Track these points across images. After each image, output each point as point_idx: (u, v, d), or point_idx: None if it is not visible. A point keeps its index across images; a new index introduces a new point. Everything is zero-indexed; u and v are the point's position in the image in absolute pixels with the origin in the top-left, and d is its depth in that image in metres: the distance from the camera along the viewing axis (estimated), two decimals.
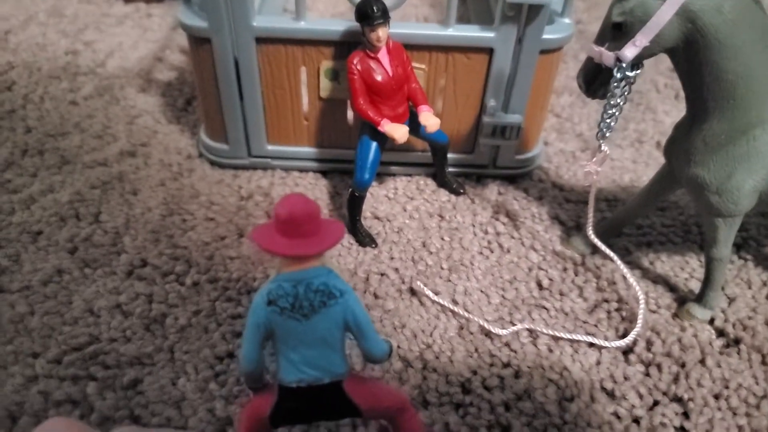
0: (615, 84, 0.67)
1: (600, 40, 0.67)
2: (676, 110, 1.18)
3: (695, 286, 0.84)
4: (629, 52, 0.64)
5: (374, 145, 0.84)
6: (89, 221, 0.90)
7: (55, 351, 0.73)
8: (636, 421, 0.70)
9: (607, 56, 0.66)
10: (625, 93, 0.69)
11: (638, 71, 0.67)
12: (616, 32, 0.64)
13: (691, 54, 0.62)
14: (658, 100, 1.20)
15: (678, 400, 0.72)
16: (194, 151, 1.02)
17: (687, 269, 0.87)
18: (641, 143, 1.10)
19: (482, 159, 0.97)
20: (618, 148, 1.08)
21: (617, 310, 0.81)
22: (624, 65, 0.65)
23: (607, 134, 0.72)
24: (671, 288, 0.85)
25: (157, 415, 0.68)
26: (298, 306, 0.52)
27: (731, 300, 0.82)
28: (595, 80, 0.69)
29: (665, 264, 0.88)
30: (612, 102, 0.69)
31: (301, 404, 0.55)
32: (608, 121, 0.71)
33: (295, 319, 0.52)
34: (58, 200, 0.92)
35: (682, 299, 0.83)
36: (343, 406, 0.56)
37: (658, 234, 0.92)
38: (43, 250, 0.85)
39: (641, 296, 0.79)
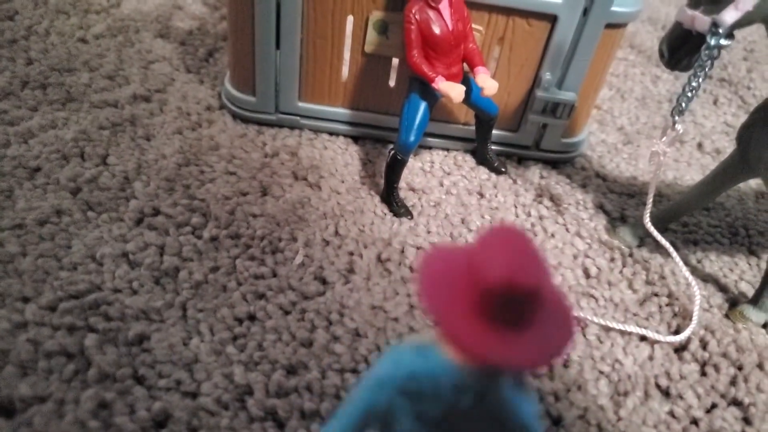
0: (706, 53, 0.61)
1: (695, 2, 0.62)
2: (715, 115, 1.14)
3: (746, 288, 0.80)
4: (729, 16, 0.59)
5: (423, 105, 0.77)
6: (95, 162, 0.80)
7: (49, 297, 0.64)
8: (695, 422, 0.64)
9: (700, 21, 0.61)
10: (708, 67, 0.64)
11: (731, 42, 0.62)
12: None
13: None
14: (698, 105, 1.17)
15: (737, 404, 0.66)
16: (215, 102, 0.94)
17: (736, 271, 0.82)
18: (682, 143, 1.06)
19: (526, 139, 0.91)
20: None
21: (668, 304, 0.76)
22: (721, 31, 0.60)
23: (686, 110, 0.67)
24: (721, 288, 0.80)
25: (165, 377, 0.59)
26: (448, 423, 0.32)
27: None
28: (682, 48, 0.64)
29: (714, 264, 0.83)
30: (699, 73, 0.63)
31: None
32: (689, 95, 0.65)
33: (426, 428, 0.33)
34: (60, 137, 0.83)
35: (733, 301, 0.78)
36: None
37: (705, 233, 0.87)
38: (40, 188, 0.76)
39: (697, 293, 0.74)
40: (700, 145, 1.06)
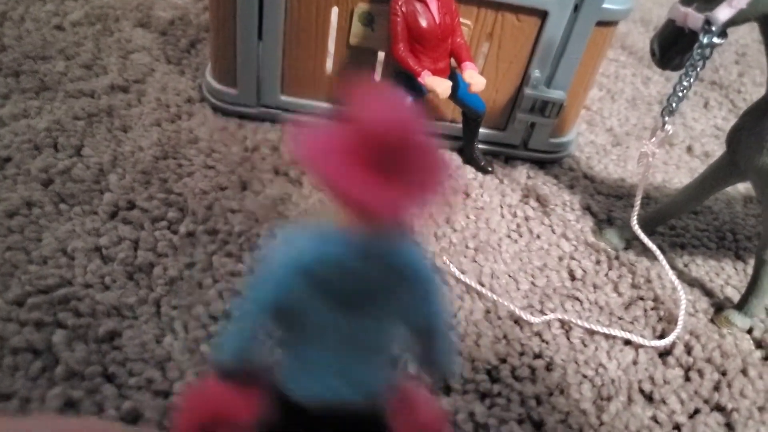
0: (699, 51, 0.60)
1: None
2: (705, 118, 1.14)
3: (731, 293, 0.79)
4: (722, 13, 0.57)
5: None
6: (69, 153, 0.78)
7: (16, 291, 0.61)
8: (677, 427, 0.64)
9: (693, 18, 0.59)
10: (700, 67, 0.63)
11: (723, 40, 0.61)
12: None
13: None
14: (688, 107, 1.16)
15: (720, 409, 0.66)
16: (195, 94, 0.91)
17: (723, 275, 0.82)
18: (672, 146, 1.05)
19: (514, 138, 0.89)
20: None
21: (654, 308, 0.75)
22: (714, 29, 0.58)
23: (677, 109, 0.65)
24: (707, 292, 0.79)
25: (136, 375, 0.57)
26: (354, 290, 0.32)
27: None
28: (674, 46, 0.63)
29: (700, 268, 0.82)
30: (691, 72, 0.62)
31: (314, 431, 0.36)
32: (680, 94, 0.64)
33: (341, 308, 0.33)
34: (33, 127, 0.80)
35: (719, 305, 0.77)
36: None
37: (692, 237, 0.86)
38: (10, 178, 0.73)
39: (683, 297, 0.73)
40: (689, 148, 1.05)
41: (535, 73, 0.81)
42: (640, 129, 1.07)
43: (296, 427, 0.36)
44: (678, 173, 0.99)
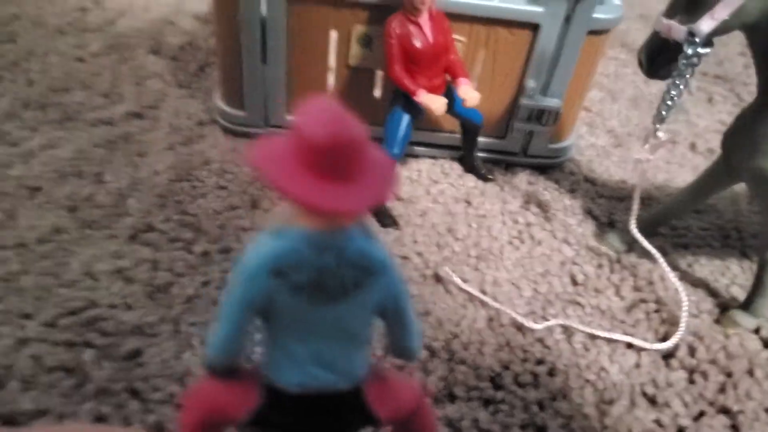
0: (684, 62, 0.62)
1: (670, 11, 0.62)
2: (709, 114, 1.14)
3: (737, 293, 0.79)
4: (705, 25, 0.59)
5: (406, 118, 0.78)
6: (91, 180, 0.83)
7: (49, 313, 0.66)
8: (681, 431, 0.65)
9: (677, 30, 0.61)
10: (689, 75, 0.64)
11: (709, 50, 0.62)
12: (690, 3, 0.59)
13: None
14: (691, 103, 1.16)
15: (726, 411, 0.66)
16: (206, 117, 0.96)
17: (728, 275, 0.82)
18: (674, 144, 1.05)
19: (513, 146, 0.92)
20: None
21: (656, 311, 0.76)
22: (697, 40, 0.60)
23: (667, 118, 0.67)
24: (712, 293, 0.80)
25: (159, 390, 0.61)
26: (320, 284, 0.36)
27: None
28: (660, 57, 0.64)
29: (704, 268, 0.83)
30: (678, 82, 0.63)
31: (301, 415, 0.40)
32: (669, 103, 0.66)
33: (311, 301, 0.36)
34: (59, 156, 0.85)
35: (724, 306, 0.78)
36: (357, 418, 0.42)
37: (695, 237, 0.87)
38: (40, 207, 0.78)
39: (684, 299, 0.74)
40: (693, 146, 1.05)
41: (531, 84, 0.83)
42: (642, 129, 1.08)
43: (283, 412, 0.40)
44: (681, 171, 0.99)
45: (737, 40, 1.36)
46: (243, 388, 0.40)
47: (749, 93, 1.20)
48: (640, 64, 0.67)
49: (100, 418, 0.58)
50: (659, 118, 0.67)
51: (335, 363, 0.39)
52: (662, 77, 0.66)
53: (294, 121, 0.33)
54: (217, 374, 0.40)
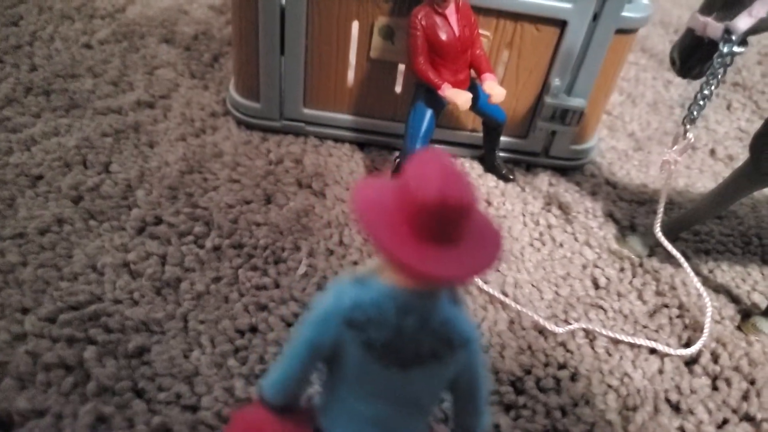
0: (719, 60, 0.60)
1: (707, 9, 0.60)
2: (728, 121, 1.12)
3: (759, 299, 0.78)
4: (743, 22, 0.57)
5: (429, 112, 0.76)
6: (98, 170, 0.80)
7: (49, 308, 0.63)
8: None
9: (713, 28, 0.59)
10: (721, 74, 0.62)
11: (744, 49, 0.60)
12: (728, 0, 0.57)
13: None
14: (711, 110, 1.14)
15: (750, 419, 0.65)
16: (219, 108, 0.93)
17: (749, 281, 0.81)
18: (694, 150, 1.04)
19: (535, 146, 0.89)
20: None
21: (679, 316, 0.74)
22: (734, 38, 0.58)
23: (698, 118, 0.65)
24: (733, 299, 0.78)
25: (165, 390, 0.58)
26: (395, 346, 0.33)
27: None
28: (694, 56, 0.62)
29: (726, 274, 0.81)
30: (712, 80, 0.61)
31: None
32: (701, 103, 0.64)
33: (382, 362, 0.34)
34: (63, 144, 0.82)
35: (746, 312, 0.76)
36: None
37: (717, 242, 0.85)
38: (42, 196, 0.75)
39: (708, 304, 0.72)
40: (712, 152, 1.04)
41: (555, 82, 0.81)
42: (662, 133, 1.06)
43: None
44: (701, 177, 0.97)
45: (755, 48, 1.35)
46: (295, 427, 0.38)
47: (767, 101, 1.19)
48: (673, 62, 0.65)
49: (101, 419, 0.55)
50: (691, 118, 0.65)
51: (393, 428, 0.36)
52: (695, 77, 0.64)
53: (404, 174, 0.30)
54: (270, 409, 0.38)
